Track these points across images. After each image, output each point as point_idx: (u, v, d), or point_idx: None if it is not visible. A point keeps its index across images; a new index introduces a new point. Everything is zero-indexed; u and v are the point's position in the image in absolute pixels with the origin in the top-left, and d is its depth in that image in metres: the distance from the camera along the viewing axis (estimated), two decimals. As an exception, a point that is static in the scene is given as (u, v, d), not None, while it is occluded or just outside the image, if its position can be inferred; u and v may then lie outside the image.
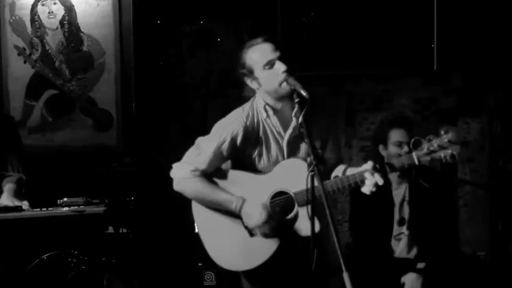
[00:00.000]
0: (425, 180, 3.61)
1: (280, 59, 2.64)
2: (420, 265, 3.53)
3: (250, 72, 2.68)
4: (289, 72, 2.62)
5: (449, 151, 2.52)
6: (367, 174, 2.56)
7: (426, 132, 2.59)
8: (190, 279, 4.10)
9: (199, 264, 3.97)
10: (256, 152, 2.75)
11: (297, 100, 2.59)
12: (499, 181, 4.67)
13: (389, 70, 4.75)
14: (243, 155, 2.76)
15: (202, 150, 2.75)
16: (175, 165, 2.81)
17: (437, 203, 3.63)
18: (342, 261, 2.14)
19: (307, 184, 2.40)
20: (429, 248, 3.56)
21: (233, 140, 2.72)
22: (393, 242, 3.61)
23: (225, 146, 2.73)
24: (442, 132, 2.54)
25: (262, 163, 2.76)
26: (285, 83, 2.62)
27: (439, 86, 4.80)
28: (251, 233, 2.73)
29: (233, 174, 2.79)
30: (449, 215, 3.83)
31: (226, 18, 4.80)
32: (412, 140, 2.57)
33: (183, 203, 2.91)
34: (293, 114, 2.70)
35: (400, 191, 3.63)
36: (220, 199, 2.73)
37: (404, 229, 3.60)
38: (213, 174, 2.79)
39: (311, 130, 2.48)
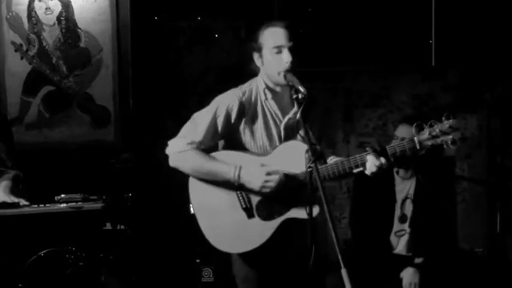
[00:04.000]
0: (423, 174, 3.61)
1: (292, 49, 2.65)
2: (418, 260, 3.53)
3: (259, 49, 2.72)
4: (292, 66, 2.63)
5: (450, 137, 2.54)
6: (368, 157, 2.59)
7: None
8: (188, 276, 4.10)
9: (197, 261, 3.96)
10: (253, 132, 2.76)
11: (294, 96, 2.59)
12: (496, 177, 4.67)
13: (387, 66, 4.75)
14: (238, 134, 2.77)
15: (198, 124, 2.77)
16: (171, 142, 2.80)
17: (441, 201, 3.63)
18: (340, 258, 2.13)
19: (307, 179, 2.41)
20: (428, 244, 3.56)
21: (228, 113, 2.73)
22: (393, 238, 3.60)
23: (220, 120, 2.74)
24: (444, 118, 2.55)
25: (259, 143, 2.77)
26: (282, 75, 2.64)
27: (437, 82, 4.80)
28: (249, 215, 2.73)
29: (232, 154, 2.78)
30: (450, 213, 3.83)
31: (223, 14, 4.79)
32: (414, 125, 2.57)
33: (181, 200, 2.91)
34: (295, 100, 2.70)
35: (403, 187, 3.62)
36: (218, 169, 2.72)
37: (406, 226, 3.59)
38: (210, 152, 2.78)
39: (309, 126, 2.48)
